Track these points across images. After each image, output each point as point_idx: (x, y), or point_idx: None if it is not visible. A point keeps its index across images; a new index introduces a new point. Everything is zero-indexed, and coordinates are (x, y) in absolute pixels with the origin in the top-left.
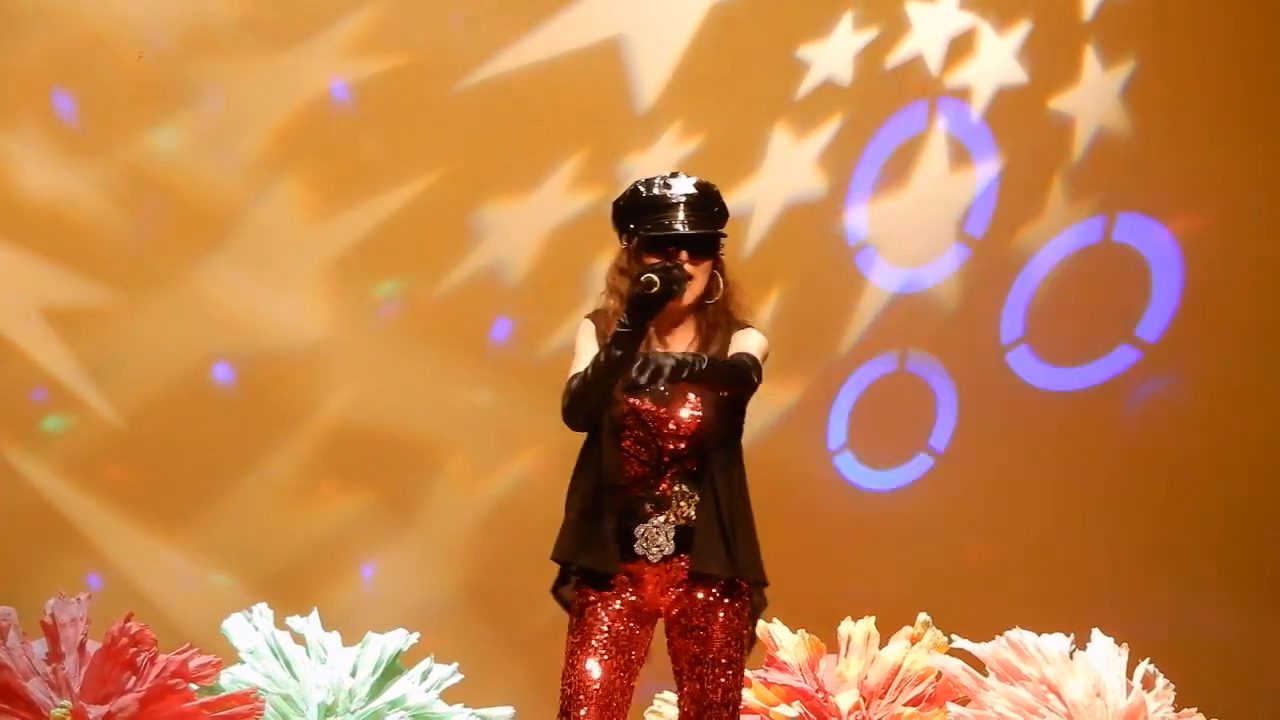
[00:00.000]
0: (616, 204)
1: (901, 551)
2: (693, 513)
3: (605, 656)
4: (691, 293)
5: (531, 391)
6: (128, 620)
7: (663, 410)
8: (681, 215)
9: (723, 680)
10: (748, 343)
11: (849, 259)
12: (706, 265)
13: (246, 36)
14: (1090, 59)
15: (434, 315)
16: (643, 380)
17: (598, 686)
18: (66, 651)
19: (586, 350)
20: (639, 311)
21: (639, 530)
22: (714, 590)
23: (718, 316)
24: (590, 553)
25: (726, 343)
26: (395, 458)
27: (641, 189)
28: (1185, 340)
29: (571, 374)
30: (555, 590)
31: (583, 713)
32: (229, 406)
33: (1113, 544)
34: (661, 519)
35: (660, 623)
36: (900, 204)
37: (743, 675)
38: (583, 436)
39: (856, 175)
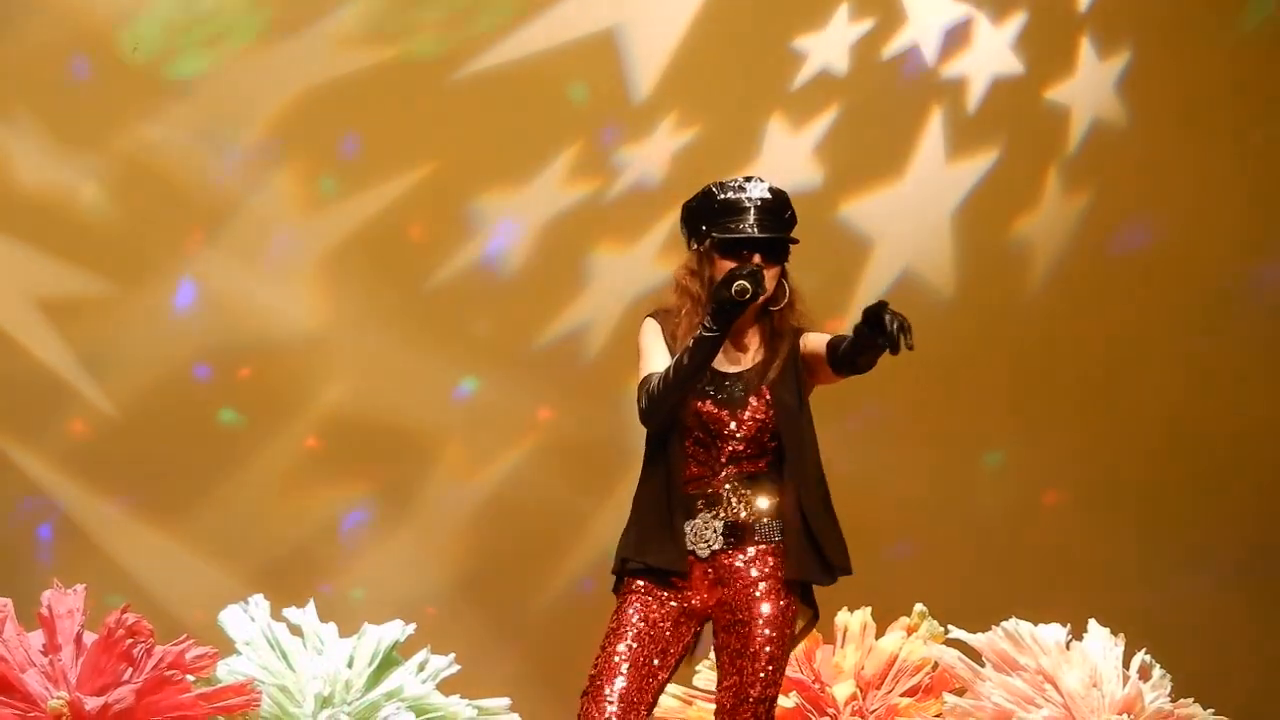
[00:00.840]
0: (688, 205)
1: (900, 543)
2: (743, 510)
3: (637, 645)
4: (762, 297)
5: (527, 383)
6: (124, 611)
7: (724, 413)
8: (754, 218)
9: (761, 675)
10: (824, 338)
11: (845, 249)
12: (776, 271)
13: (242, 27)
14: (1086, 50)
15: (430, 306)
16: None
17: (624, 672)
18: (63, 643)
19: (655, 349)
20: (726, 316)
21: (688, 526)
22: (759, 585)
23: (783, 324)
24: (656, 553)
25: (794, 347)
26: (391, 449)
27: (715, 191)
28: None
29: (646, 373)
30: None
31: (605, 692)
32: (223, 397)
33: (1110, 537)
34: (711, 515)
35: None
36: (896, 195)
37: (783, 673)
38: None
39: (852, 166)
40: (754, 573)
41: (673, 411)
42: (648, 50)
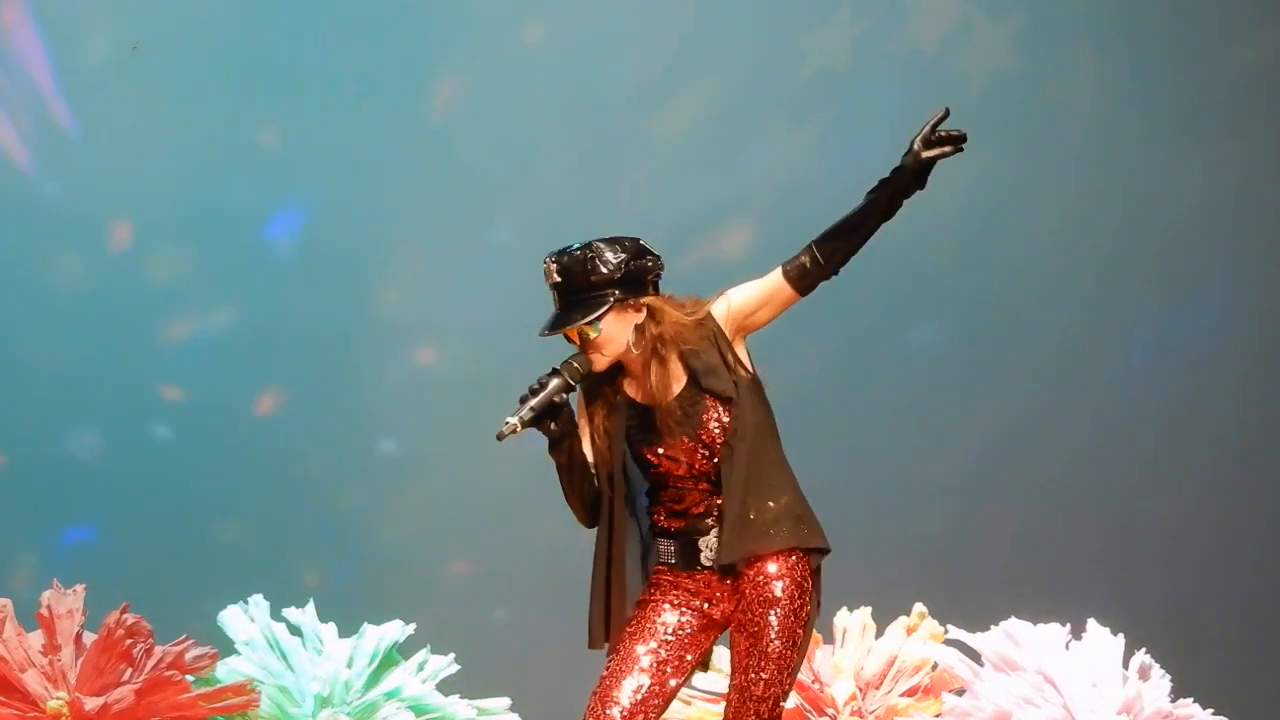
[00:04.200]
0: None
1: (898, 542)
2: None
3: (657, 646)
4: (612, 354)
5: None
6: (124, 611)
7: (685, 439)
8: (554, 307)
9: (765, 676)
10: (731, 294)
11: None
12: (616, 318)
13: (243, 27)
14: (1085, 50)
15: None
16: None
17: (636, 673)
18: (63, 643)
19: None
20: (543, 418)
21: (702, 542)
22: (774, 586)
23: (664, 347)
24: (608, 629)
25: (706, 347)
26: (390, 445)
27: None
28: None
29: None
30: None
31: (615, 694)
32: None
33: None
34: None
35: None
36: None
37: (791, 674)
38: None
39: (852, 165)
40: (772, 568)
41: (591, 505)
42: (648, 48)
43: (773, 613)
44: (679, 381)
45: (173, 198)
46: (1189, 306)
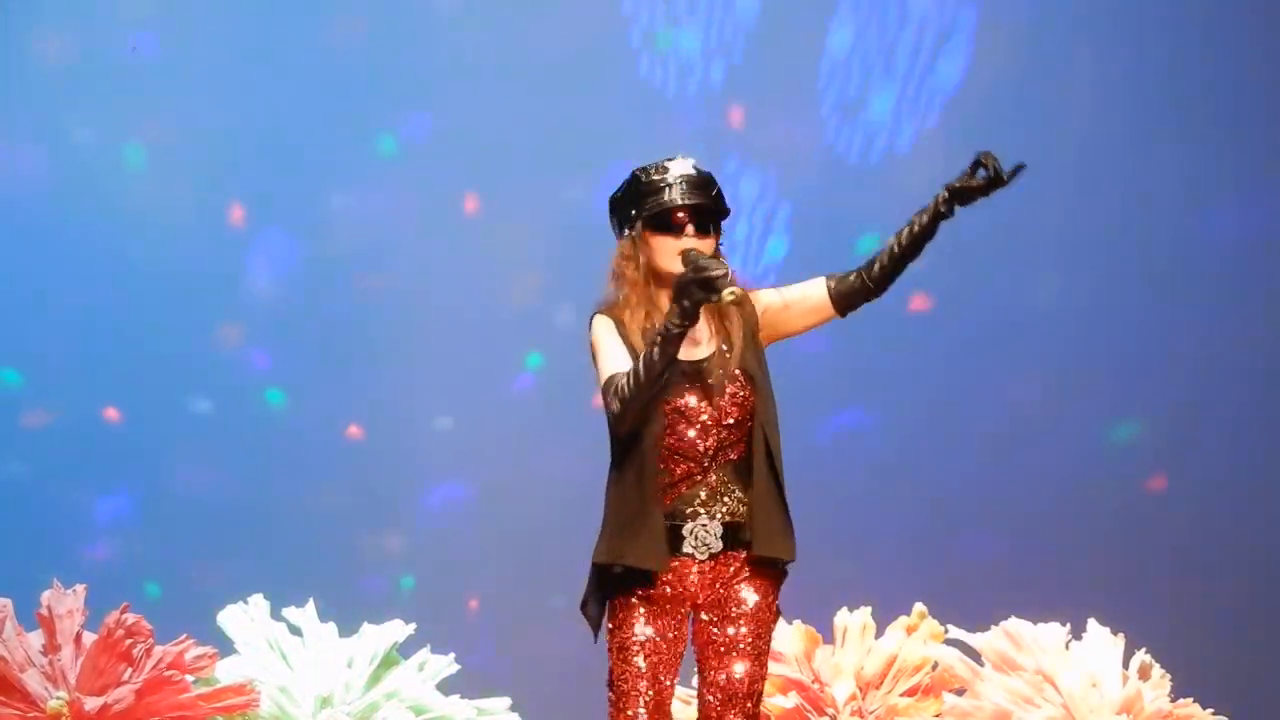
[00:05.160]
0: (613, 196)
1: (898, 542)
2: (741, 509)
3: (654, 654)
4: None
5: (526, 380)
6: (124, 611)
7: (704, 403)
8: (679, 190)
9: (749, 672)
10: (762, 293)
11: (845, 246)
12: (712, 243)
13: (242, 31)
14: (1085, 49)
15: (430, 299)
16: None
17: (649, 684)
18: (63, 643)
19: (613, 347)
20: (696, 308)
21: (687, 529)
22: (758, 579)
23: (731, 308)
24: (637, 552)
25: (748, 315)
26: (389, 446)
27: (639, 175)
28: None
29: (609, 373)
30: (584, 606)
31: (641, 712)
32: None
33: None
34: (709, 516)
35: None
36: (895, 194)
37: (767, 667)
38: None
39: (851, 165)
40: (745, 570)
41: (644, 411)
42: (648, 47)
43: (754, 607)
44: (723, 339)
45: None
46: (1189, 307)
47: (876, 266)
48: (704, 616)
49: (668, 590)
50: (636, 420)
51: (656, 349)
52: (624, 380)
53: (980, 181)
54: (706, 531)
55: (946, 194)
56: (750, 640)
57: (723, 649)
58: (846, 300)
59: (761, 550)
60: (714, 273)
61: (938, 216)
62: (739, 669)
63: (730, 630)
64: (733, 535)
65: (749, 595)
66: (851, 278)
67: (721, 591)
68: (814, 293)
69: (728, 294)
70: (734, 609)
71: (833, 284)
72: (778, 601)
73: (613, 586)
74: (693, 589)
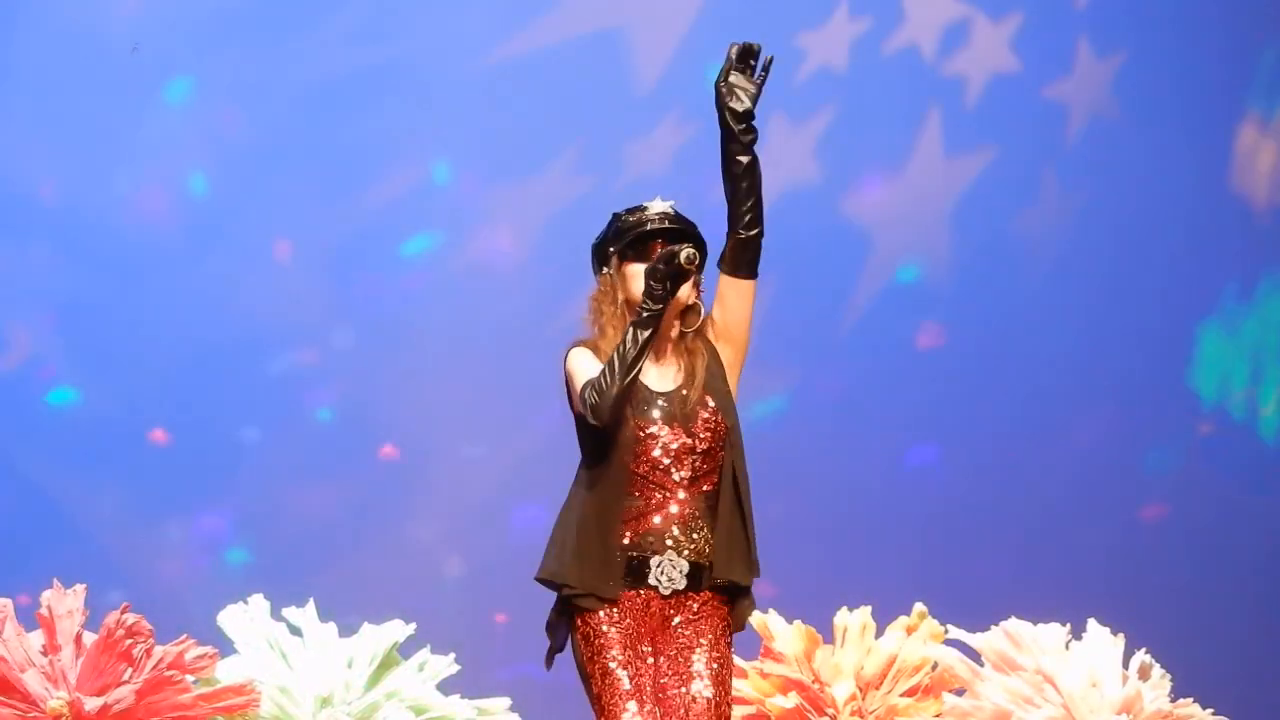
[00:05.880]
0: (594, 243)
1: (898, 541)
2: (707, 550)
3: (633, 672)
4: (685, 299)
5: (527, 380)
6: (124, 611)
7: (678, 430)
8: (662, 222)
9: (715, 692)
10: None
11: (845, 247)
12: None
13: (244, 26)
14: (1084, 49)
15: (427, 302)
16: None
17: (636, 705)
18: (63, 643)
19: (590, 367)
20: (666, 291)
21: (655, 560)
22: (716, 600)
23: (695, 344)
24: (604, 583)
25: (708, 344)
26: (390, 448)
27: (618, 215)
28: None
29: (584, 381)
30: (550, 628)
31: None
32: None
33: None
34: (678, 554)
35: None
36: (895, 193)
37: (731, 695)
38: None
39: (851, 164)
40: (704, 604)
41: (621, 402)
42: (649, 47)
43: (715, 628)
44: (690, 371)
45: None
46: (1190, 306)
47: (731, 217)
48: (666, 637)
49: (631, 615)
50: (612, 411)
51: (629, 337)
52: (599, 376)
53: (724, 85)
54: (673, 567)
55: (719, 112)
56: (715, 659)
57: (685, 669)
58: (734, 262)
59: (721, 574)
60: (674, 248)
61: (728, 138)
62: (704, 689)
63: (694, 651)
64: (696, 576)
65: (707, 628)
66: (726, 243)
67: (684, 613)
68: (720, 281)
69: (684, 255)
70: (699, 628)
71: (721, 263)
72: (740, 627)
73: (579, 613)
74: (653, 621)
